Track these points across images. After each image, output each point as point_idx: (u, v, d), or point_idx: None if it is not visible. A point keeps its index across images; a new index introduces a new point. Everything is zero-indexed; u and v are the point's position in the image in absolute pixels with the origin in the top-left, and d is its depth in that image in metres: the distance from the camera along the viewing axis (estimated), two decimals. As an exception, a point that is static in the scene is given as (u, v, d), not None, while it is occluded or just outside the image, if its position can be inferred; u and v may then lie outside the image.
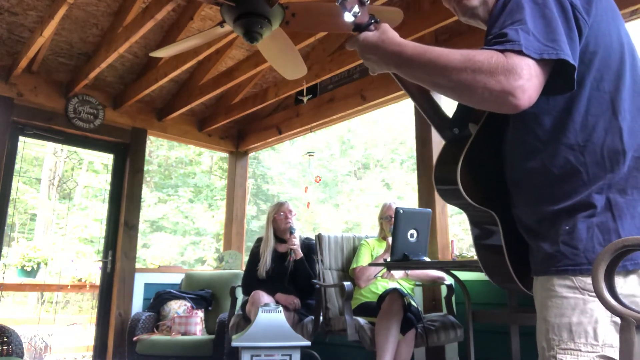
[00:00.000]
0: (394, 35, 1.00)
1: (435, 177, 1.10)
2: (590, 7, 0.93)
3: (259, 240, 3.52)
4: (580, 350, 0.88)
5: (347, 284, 2.74)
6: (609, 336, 0.87)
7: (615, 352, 0.86)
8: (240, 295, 3.55)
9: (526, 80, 0.83)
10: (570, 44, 0.87)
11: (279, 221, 3.40)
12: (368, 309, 2.86)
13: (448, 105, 1.16)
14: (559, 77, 0.88)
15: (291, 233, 3.31)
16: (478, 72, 0.85)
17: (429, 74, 0.92)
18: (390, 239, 2.96)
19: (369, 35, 1.01)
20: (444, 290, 3.07)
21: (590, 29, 0.92)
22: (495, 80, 0.83)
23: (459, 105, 1.10)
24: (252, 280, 3.34)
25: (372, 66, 1.04)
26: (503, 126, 1.06)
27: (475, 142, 1.05)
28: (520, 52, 0.84)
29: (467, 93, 0.88)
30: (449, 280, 2.96)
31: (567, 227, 0.92)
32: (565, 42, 0.86)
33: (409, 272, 3.05)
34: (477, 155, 1.05)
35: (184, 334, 3.74)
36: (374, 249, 3.16)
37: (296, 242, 3.31)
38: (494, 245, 1.05)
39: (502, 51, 0.85)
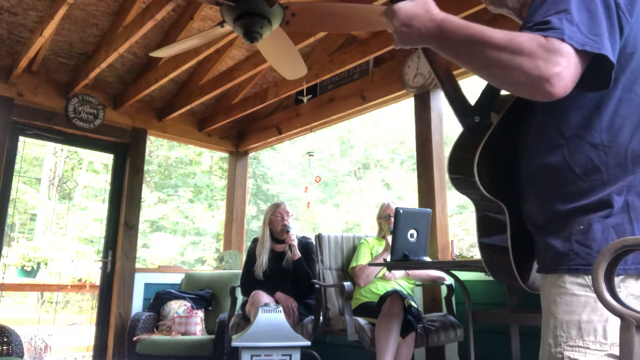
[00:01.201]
0: (436, 7, 0.97)
1: (450, 166, 1.09)
2: (633, 7, 0.92)
3: (255, 241, 3.52)
4: (588, 348, 0.88)
5: (347, 284, 2.73)
6: (618, 335, 0.87)
7: None
8: (240, 295, 3.55)
9: (564, 68, 0.82)
10: (611, 42, 0.86)
11: (275, 223, 3.40)
12: (368, 309, 2.86)
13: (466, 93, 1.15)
14: (594, 73, 0.87)
15: (288, 231, 3.32)
16: (517, 53, 0.83)
17: (467, 51, 0.90)
18: (389, 238, 2.96)
19: (410, 4, 0.97)
20: (444, 290, 3.07)
21: (630, 29, 0.91)
22: (534, 64, 0.82)
23: (482, 94, 1.09)
24: (250, 281, 3.34)
25: (405, 38, 0.98)
26: (525, 118, 1.05)
27: (495, 132, 1.04)
28: (562, 40, 0.82)
29: (502, 74, 0.86)
30: (449, 280, 2.96)
31: (581, 227, 0.92)
32: (607, 38, 0.85)
33: (410, 272, 3.05)
34: (494, 146, 1.04)
35: (184, 334, 3.74)
36: (373, 247, 3.17)
37: (294, 238, 3.32)
38: (498, 238, 1.05)
39: (544, 37, 0.83)
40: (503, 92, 1.10)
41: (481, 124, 1.06)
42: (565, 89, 0.83)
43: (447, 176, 1.12)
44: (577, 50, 0.83)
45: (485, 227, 1.09)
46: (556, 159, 0.96)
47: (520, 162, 1.05)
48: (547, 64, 0.81)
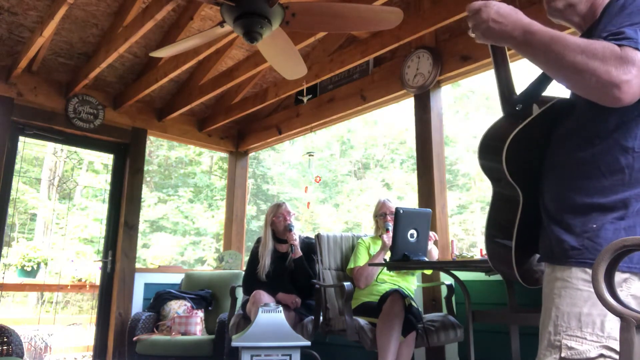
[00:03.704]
0: (521, 12, 1.04)
1: (481, 148, 1.15)
2: None
3: (259, 241, 3.51)
4: (585, 339, 0.93)
5: (347, 284, 2.73)
6: (615, 330, 0.91)
7: (618, 345, 0.89)
8: (240, 295, 3.55)
9: (634, 77, 0.86)
10: None
11: (277, 223, 3.39)
12: (368, 309, 2.85)
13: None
14: None
15: (290, 230, 3.31)
16: (592, 57, 0.87)
17: (546, 51, 0.95)
18: (385, 237, 2.95)
19: (503, 4, 1.05)
20: (444, 290, 3.06)
21: None
22: (605, 70, 0.86)
23: (530, 86, 1.14)
24: (252, 281, 3.34)
25: (491, 32, 1.04)
26: (564, 116, 1.10)
27: (531, 123, 1.09)
28: (636, 49, 0.87)
29: (575, 77, 0.91)
30: (449, 280, 2.95)
31: (594, 226, 0.96)
32: None
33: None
34: (527, 136, 1.09)
35: (184, 334, 3.74)
36: (370, 247, 3.16)
37: (296, 237, 3.31)
38: (506, 224, 1.10)
39: (618, 46, 0.88)
40: (546, 92, 1.16)
41: (521, 113, 1.12)
42: (633, 97, 0.87)
43: (477, 157, 1.18)
44: None
45: (498, 211, 1.15)
46: (585, 155, 1.01)
47: (549, 155, 1.10)
48: (618, 71, 0.86)
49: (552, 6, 1.15)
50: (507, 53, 1.19)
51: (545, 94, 1.16)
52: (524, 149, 1.09)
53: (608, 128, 0.99)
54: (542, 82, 1.14)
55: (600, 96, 0.90)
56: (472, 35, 1.08)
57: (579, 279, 0.96)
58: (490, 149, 1.12)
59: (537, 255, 1.13)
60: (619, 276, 0.93)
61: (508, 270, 1.10)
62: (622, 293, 0.92)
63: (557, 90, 1.18)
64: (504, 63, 1.18)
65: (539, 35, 0.96)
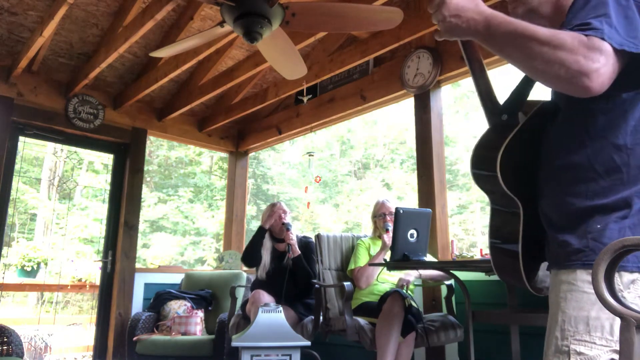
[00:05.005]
0: (482, 3, 1.01)
1: (473, 162, 1.12)
2: None
3: None
4: (594, 343, 0.91)
5: (347, 284, 2.73)
6: None
7: None
8: (240, 295, 3.55)
9: (603, 65, 0.85)
10: None
11: (274, 222, 3.40)
12: (368, 309, 2.86)
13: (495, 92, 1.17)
14: (627, 75, 0.91)
15: (287, 229, 3.31)
16: (560, 48, 0.87)
17: (512, 44, 0.93)
18: (385, 237, 2.95)
19: None
20: (444, 290, 3.06)
21: None
22: (574, 59, 0.86)
23: (512, 94, 1.13)
24: (255, 282, 3.37)
25: (452, 29, 1.01)
26: (551, 121, 1.09)
27: (520, 132, 1.07)
28: (602, 39, 0.86)
29: (543, 67, 0.90)
30: (449, 280, 2.95)
31: (598, 226, 0.95)
32: None
33: (422, 272, 2.97)
34: (517, 145, 1.07)
35: (184, 334, 3.74)
36: (369, 247, 3.15)
37: (293, 237, 3.32)
38: (509, 236, 1.08)
39: (585, 36, 0.88)
40: (530, 97, 1.14)
41: (508, 123, 1.10)
42: (602, 85, 0.86)
43: (470, 171, 1.15)
44: (615, 50, 0.87)
45: (499, 225, 1.12)
46: (579, 158, 0.99)
47: (542, 162, 1.08)
48: (587, 60, 0.85)
49: (513, 13, 1.13)
50: (484, 63, 1.16)
51: (529, 98, 1.14)
52: (516, 158, 1.07)
53: (597, 127, 0.98)
54: (524, 87, 1.12)
55: (570, 86, 0.88)
56: (438, 31, 1.04)
57: (585, 281, 0.93)
58: (482, 159, 1.10)
59: (544, 265, 1.09)
60: (627, 276, 0.91)
61: (516, 280, 1.07)
62: (630, 295, 0.90)
63: (541, 94, 1.17)
64: (483, 74, 1.15)
65: (502, 27, 0.94)
